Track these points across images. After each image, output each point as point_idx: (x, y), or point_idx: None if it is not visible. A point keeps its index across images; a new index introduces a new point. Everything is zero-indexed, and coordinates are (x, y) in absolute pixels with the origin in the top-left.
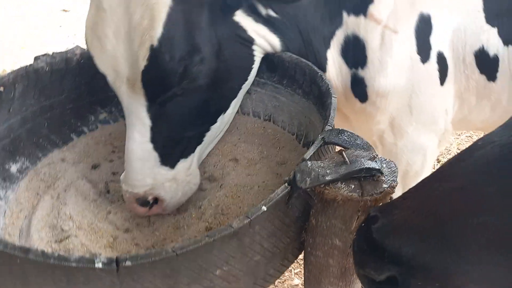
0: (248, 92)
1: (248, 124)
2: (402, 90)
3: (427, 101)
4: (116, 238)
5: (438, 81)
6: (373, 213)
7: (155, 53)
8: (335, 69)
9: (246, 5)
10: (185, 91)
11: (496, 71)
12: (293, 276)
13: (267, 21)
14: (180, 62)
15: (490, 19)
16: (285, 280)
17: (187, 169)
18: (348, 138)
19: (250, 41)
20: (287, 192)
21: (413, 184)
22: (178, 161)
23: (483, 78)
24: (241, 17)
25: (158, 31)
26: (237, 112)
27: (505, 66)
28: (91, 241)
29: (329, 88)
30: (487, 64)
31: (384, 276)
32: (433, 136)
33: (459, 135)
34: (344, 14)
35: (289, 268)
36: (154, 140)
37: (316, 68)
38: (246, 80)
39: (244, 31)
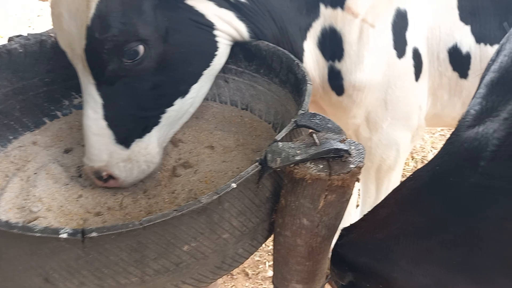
0: (225, 80)
1: (225, 112)
2: (378, 85)
3: (402, 97)
4: (86, 220)
5: (413, 77)
6: (341, 231)
7: (89, 33)
8: (312, 61)
9: None
10: (131, 73)
11: (468, 68)
12: (267, 268)
13: (233, 6)
14: (111, 42)
15: (464, 17)
16: (259, 272)
17: (144, 149)
18: (319, 122)
19: (209, 26)
20: (257, 171)
21: (386, 178)
22: (133, 140)
23: (455, 75)
24: (196, 1)
25: (92, 11)
26: (215, 100)
27: (477, 63)
28: (60, 223)
29: (305, 75)
30: (459, 62)
31: (346, 281)
32: (407, 131)
33: (433, 133)
34: (322, 6)
35: (264, 260)
36: (107, 117)
37: (292, 56)
38: (208, 66)
39: (201, 15)
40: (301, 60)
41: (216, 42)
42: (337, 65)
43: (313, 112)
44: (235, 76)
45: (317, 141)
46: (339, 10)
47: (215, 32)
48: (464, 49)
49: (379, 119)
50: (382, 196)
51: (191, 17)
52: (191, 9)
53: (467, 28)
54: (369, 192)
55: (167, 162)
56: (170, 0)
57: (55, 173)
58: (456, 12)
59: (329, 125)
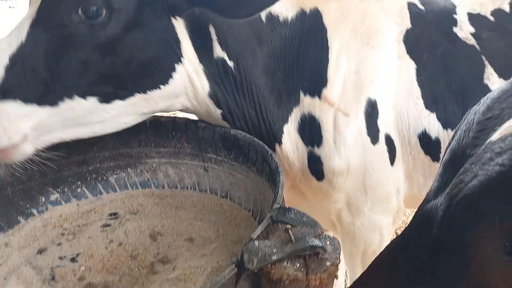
0: (205, 169)
1: (205, 201)
2: (357, 170)
3: (380, 181)
4: None
5: (389, 162)
6: None
7: None
8: (291, 144)
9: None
10: (74, 30)
11: (439, 152)
12: None
13: (211, 64)
14: None
15: (428, 105)
16: None
17: (19, 116)
18: (294, 216)
19: (176, 55)
20: (234, 274)
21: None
22: (16, 98)
23: (428, 159)
24: (180, 30)
25: None
26: (194, 189)
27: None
28: None
29: (277, 166)
30: (430, 146)
31: None
32: (388, 215)
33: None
34: (301, 93)
35: None
36: (13, 58)
37: (266, 148)
38: (156, 87)
39: (177, 41)
40: (280, 141)
41: (173, 69)
42: (317, 150)
43: (288, 206)
44: (215, 164)
45: (292, 238)
46: (316, 99)
47: (177, 66)
48: (433, 135)
49: (360, 203)
50: None
51: (167, 32)
52: (172, 26)
53: (433, 115)
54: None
55: (145, 258)
56: (158, 5)
57: (27, 277)
58: (421, 101)
59: (304, 219)
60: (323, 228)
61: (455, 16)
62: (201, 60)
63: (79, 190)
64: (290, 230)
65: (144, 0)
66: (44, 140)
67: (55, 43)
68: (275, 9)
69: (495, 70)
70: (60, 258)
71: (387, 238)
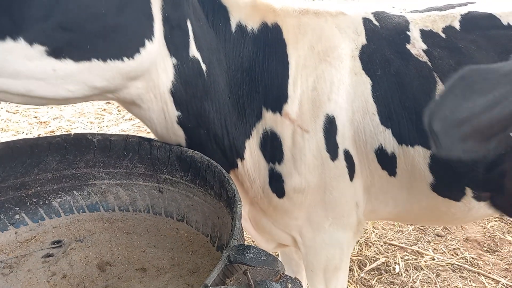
0: (160, 190)
1: (159, 225)
2: (317, 186)
3: (339, 197)
4: None
5: (348, 177)
6: None
7: None
8: (253, 161)
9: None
10: None
11: (395, 167)
12: None
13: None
14: None
15: (384, 121)
16: None
17: None
18: (254, 256)
19: (149, 31)
20: None
21: (334, 277)
22: None
23: (385, 173)
24: (156, 8)
25: None
26: (148, 212)
27: (402, 162)
28: None
29: (234, 194)
30: (386, 161)
31: None
32: (348, 230)
33: None
34: (264, 109)
35: None
36: None
37: (224, 172)
38: (118, 58)
39: (151, 18)
40: (242, 157)
41: (140, 48)
42: (278, 168)
43: (246, 244)
44: (170, 186)
45: (251, 282)
46: (278, 115)
47: (149, 42)
48: (388, 150)
49: (320, 219)
50: None
51: (143, 3)
52: (147, 1)
53: (389, 131)
54: None
55: None
56: None
57: None
58: (377, 118)
59: (263, 258)
60: (284, 244)
61: (408, 32)
62: (175, 53)
63: (17, 216)
64: (248, 273)
65: None
66: None
67: None
68: (242, 19)
69: None
70: None
71: (348, 252)
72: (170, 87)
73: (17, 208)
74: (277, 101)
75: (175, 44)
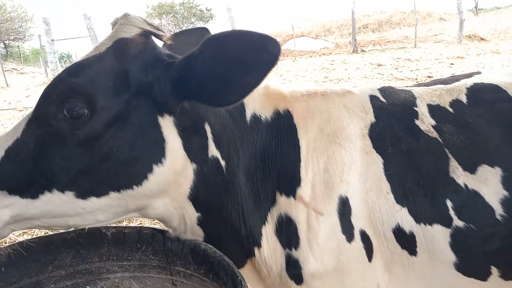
0: (173, 283)
1: None
2: (334, 271)
3: (359, 279)
4: None
5: (366, 258)
6: None
7: None
8: (269, 248)
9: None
10: (57, 127)
11: (415, 246)
12: None
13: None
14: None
15: (399, 200)
16: None
17: (2, 206)
18: None
19: (157, 155)
20: None
21: None
22: (2, 189)
23: (405, 253)
24: (168, 127)
25: None
26: None
27: (422, 241)
28: None
29: None
30: (405, 240)
31: None
32: None
33: None
34: (277, 194)
35: None
36: (7, 152)
37: (236, 271)
38: (129, 187)
39: (162, 140)
40: (259, 244)
41: (148, 174)
42: (294, 253)
43: None
44: (184, 278)
45: None
46: (292, 199)
47: (157, 166)
48: (407, 229)
49: None
50: None
51: (151, 131)
52: (157, 125)
53: (405, 210)
54: None
55: None
56: (144, 103)
57: None
58: (391, 196)
59: None
60: None
61: (416, 108)
62: (194, 158)
63: None
64: None
65: (131, 99)
66: (22, 226)
67: (43, 139)
68: (257, 109)
69: (459, 163)
70: None
71: None
72: (189, 192)
73: None
74: (291, 185)
75: (194, 150)
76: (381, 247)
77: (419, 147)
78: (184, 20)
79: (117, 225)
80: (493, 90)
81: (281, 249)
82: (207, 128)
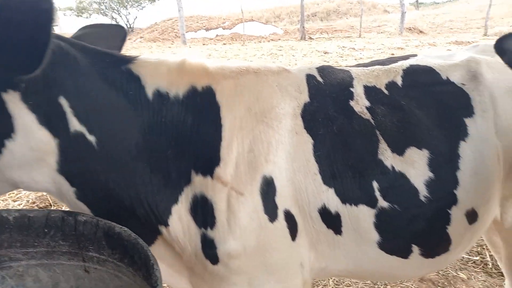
0: (86, 270)
1: None
2: (256, 250)
3: (281, 258)
4: None
5: (289, 237)
6: None
7: None
8: (182, 227)
9: (33, 94)
10: None
11: (341, 225)
12: None
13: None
14: None
15: (327, 181)
16: None
17: None
18: None
19: (6, 130)
20: None
21: None
22: None
23: (331, 232)
24: (14, 102)
25: None
26: None
27: (347, 221)
28: None
29: (156, 284)
30: (331, 220)
31: None
32: None
33: None
34: (193, 173)
35: None
36: None
37: (150, 254)
38: None
39: (8, 116)
40: (166, 224)
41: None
42: (210, 233)
43: None
44: (97, 265)
45: None
46: (209, 178)
47: (8, 141)
48: (332, 209)
49: (262, 284)
50: None
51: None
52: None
53: (332, 191)
54: None
55: None
56: None
57: None
58: (319, 177)
59: None
60: None
61: (352, 89)
62: (56, 134)
63: None
64: None
65: None
66: None
67: None
68: (163, 86)
69: (389, 146)
70: None
71: None
72: (57, 167)
73: None
74: (208, 164)
75: (53, 125)
76: (307, 227)
77: (351, 128)
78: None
79: (21, 208)
80: (428, 73)
81: (196, 228)
82: (63, 102)
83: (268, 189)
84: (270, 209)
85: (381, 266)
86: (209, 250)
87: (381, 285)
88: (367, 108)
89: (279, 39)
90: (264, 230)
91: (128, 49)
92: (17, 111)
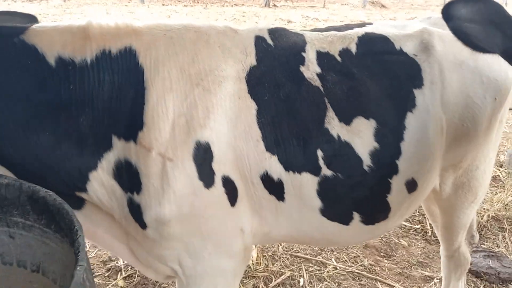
0: (10, 236)
1: (10, 277)
2: (188, 217)
3: (217, 224)
4: None
5: (228, 203)
6: None
7: None
8: (106, 191)
9: None
10: None
11: (283, 192)
12: None
13: None
14: None
15: (270, 148)
16: None
17: None
18: None
19: None
20: None
21: None
22: None
23: (273, 198)
24: None
25: None
26: None
27: (290, 188)
28: None
29: (79, 251)
30: (273, 187)
31: None
32: (233, 257)
33: None
34: (114, 138)
35: None
36: None
37: (74, 219)
38: None
39: None
40: (84, 190)
41: None
42: (136, 198)
43: None
44: (23, 230)
45: None
46: (132, 143)
47: None
48: (275, 176)
49: (199, 249)
50: None
51: None
52: None
53: (275, 158)
54: None
55: None
56: None
57: None
58: (261, 144)
59: None
60: (163, 279)
61: (303, 54)
62: None
63: None
64: None
65: None
66: None
67: None
68: (65, 53)
69: (336, 114)
70: None
71: (234, 280)
72: None
73: None
74: (131, 129)
75: None
76: (249, 193)
77: (299, 95)
78: None
79: None
80: (382, 41)
81: (122, 192)
82: None
83: (203, 154)
84: (206, 175)
85: (323, 233)
86: (136, 215)
87: (328, 251)
88: (318, 75)
89: (243, 4)
90: (199, 196)
91: (81, 5)
92: None
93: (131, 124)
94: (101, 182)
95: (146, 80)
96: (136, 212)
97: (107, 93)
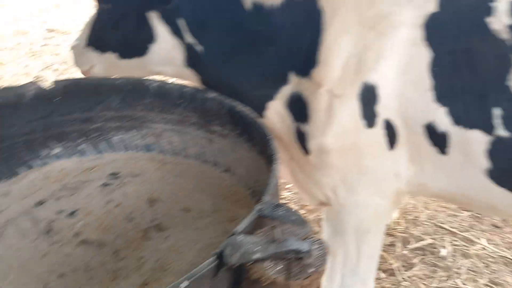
0: (209, 141)
1: (206, 173)
2: (348, 151)
3: (374, 164)
4: (47, 284)
5: (386, 146)
6: None
7: None
8: (278, 119)
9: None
10: None
11: (447, 146)
12: None
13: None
14: None
15: (440, 99)
16: None
17: None
18: (283, 213)
19: (150, 37)
20: (214, 266)
21: (366, 240)
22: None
23: (435, 150)
24: (155, 19)
25: None
26: (197, 159)
27: (455, 143)
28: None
29: (273, 153)
30: (437, 139)
31: None
32: (383, 198)
33: None
34: (291, 73)
35: None
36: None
37: (266, 131)
38: (138, 55)
39: (150, 28)
40: (262, 116)
41: (146, 50)
42: (303, 127)
43: (278, 202)
44: (220, 137)
45: (278, 237)
46: (305, 79)
47: (152, 44)
48: (440, 128)
49: (355, 182)
50: (364, 260)
51: (141, 21)
52: (145, 18)
53: (443, 110)
54: (350, 253)
55: (141, 222)
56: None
57: (24, 228)
58: (431, 93)
59: (293, 218)
60: (316, 204)
61: (492, 4)
62: (179, 41)
63: (82, 146)
64: (276, 228)
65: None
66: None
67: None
68: None
69: None
70: (58, 212)
71: (382, 219)
72: (184, 63)
73: (83, 139)
74: (306, 66)
75: (177, 34)
76: (409, 140)
77: (481, 47)
78: None
79: (160, 80)
80: None
81: (292, 121)
82: (181, 22)
83: (369, 96)
84: (369, 116)
85: (487, 197)
86: (302, 141)
87: (478, 230)
88: (510, 27)
89: None
90: (359, 134)
91: None
92: (156, 25)
93: (307, 62)
94: (276, 111)
95: (324, 22)
96: (302, 139)
97: (289, 32)
